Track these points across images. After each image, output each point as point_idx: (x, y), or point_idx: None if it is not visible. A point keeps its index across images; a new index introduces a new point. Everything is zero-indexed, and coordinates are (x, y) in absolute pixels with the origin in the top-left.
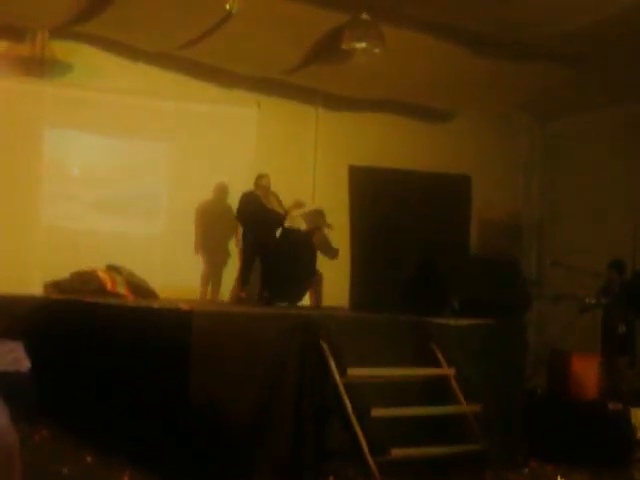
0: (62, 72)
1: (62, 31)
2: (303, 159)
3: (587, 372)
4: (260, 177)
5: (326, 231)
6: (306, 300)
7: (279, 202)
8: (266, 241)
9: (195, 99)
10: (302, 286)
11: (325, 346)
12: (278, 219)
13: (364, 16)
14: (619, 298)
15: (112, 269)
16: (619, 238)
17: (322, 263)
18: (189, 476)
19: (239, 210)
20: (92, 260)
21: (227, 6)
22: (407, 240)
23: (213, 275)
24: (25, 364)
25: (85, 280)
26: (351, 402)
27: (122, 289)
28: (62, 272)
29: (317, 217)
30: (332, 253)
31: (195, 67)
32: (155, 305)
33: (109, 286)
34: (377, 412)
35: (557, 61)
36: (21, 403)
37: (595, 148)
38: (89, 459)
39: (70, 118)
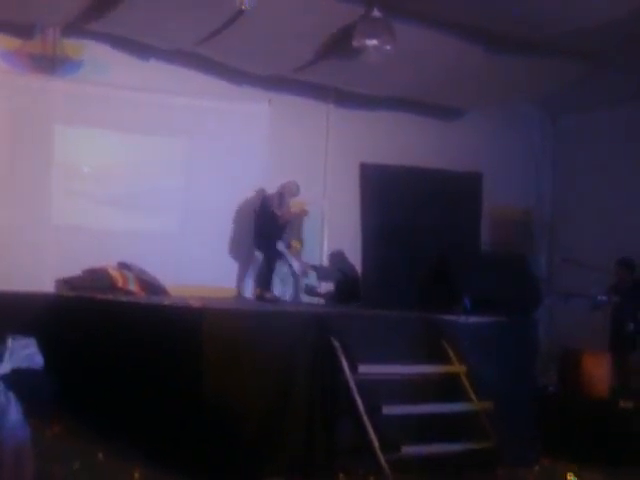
0: (73, 69)
1: (73, 28)
2: (314, 156)
3: (598, 370)
4: (287, 182)
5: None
6: None
7: (288, 206)
8: (267, 240)
9: (206, 96)
10: None
11: (336, 343)
12: (276, 220)
13: (375, 13)
14: (629, 296)
15: (123, 266)
16: (631, 236)
17: None
18: (200, 473)
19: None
20: (104, 257)
21: (242, 7)
22: (418, 237)
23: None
24: (38, 360)
25: (96, 277)
26: (362, 399)
27: (133, 286)
28: (74, 269)
29: None
30: None
31: (206, 64)
32: (166, 302)
33: (120, 283)
34: (388, 409)
35: (571, 58)
36: (34, 399)
37: (608, 145)
38: (100, 455)
39: (81, 115)
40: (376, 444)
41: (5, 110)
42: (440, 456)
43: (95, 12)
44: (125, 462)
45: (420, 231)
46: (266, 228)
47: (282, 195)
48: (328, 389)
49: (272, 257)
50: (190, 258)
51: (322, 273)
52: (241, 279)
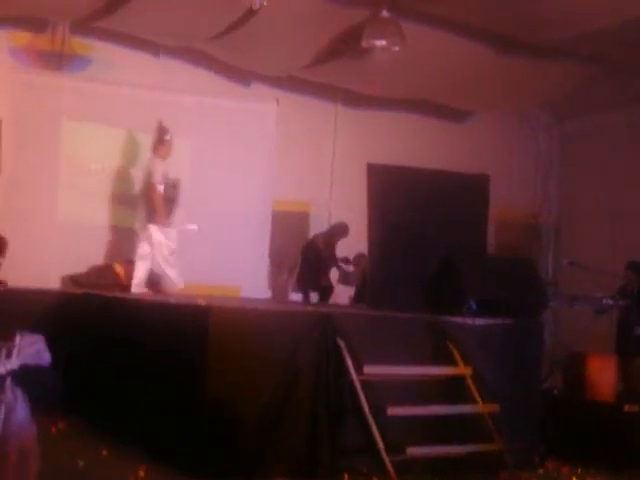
0: (81, 66)
1: (82, 25)
2: (321, 156)
3: (603, 373)
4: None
5: None
6: None
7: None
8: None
9: (214, 94)
10: None
11: (342, 343)
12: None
13: (384, 14)
14: (636, 299)
15: (129, 263)
16: (637, 239)
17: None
18: (204, 471)
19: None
20: (110, 254)
21: (252, 6)
22: (425, 239)
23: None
24: (46, 357)
25: (102, 274)
26: (367, 400)
27: None
28: (79, 266)
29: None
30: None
31: (215, 62)
32: (172, 300)
33: (126, 280)
34: (393, 410)
35: (577, 61)
36: (41, 396)
37: (614, 148)
38: (105, 452)
39: (89, 112)
40: (381, 445)
41: (13, 106)
42: (445, 458)
43: (105, 9)
44: (130, 460)
45: (427, 233)
46: (309, 266)
47: (327, 234)
48: (333, 389)
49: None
50: (196, 256)
51: (348, 279)
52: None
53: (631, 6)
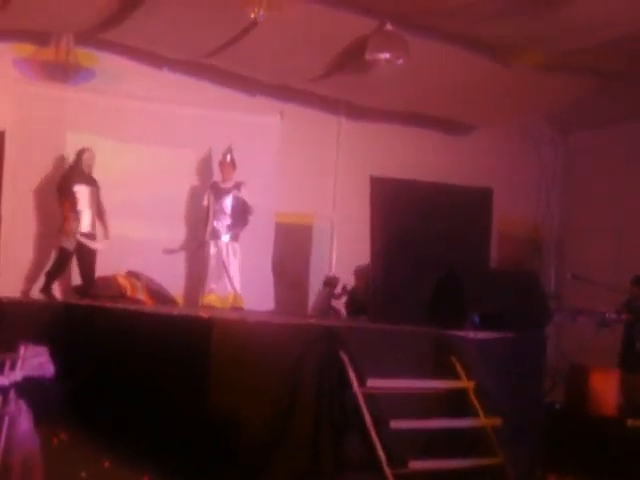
0: (86, 78)
1: (87, 37)
2: (324, 169)
3: (606, 388)
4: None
5: None
6: None
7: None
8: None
9: (218, 107)
10: None
11: (345, 357)
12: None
13: (388, 27)
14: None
15: (132, 275)
16: None
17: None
18: None
19: None
20: (113, 266)
21: (256, 18)
22: (428, 252)
23: None
24: (49, 369)
25: (105, 285)
26: (370, 413)
27: (141, 295)
28: None
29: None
30: None
31: (218, 75)
32: (175, 312)
33: (129, 292)
34: (396, 424)
35: (581, 74)
36: (45, 408)
37: (618, 161)
38: (107, 464)
39: (93, 124)
40: (383, 458)
41: (17, 118)
42: (447, 471)
43: (109, 21)
44: (132, 471)
45: (429, 246)
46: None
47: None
48: (336, 402)
49: None
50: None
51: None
52: None
53: (630, 18)
